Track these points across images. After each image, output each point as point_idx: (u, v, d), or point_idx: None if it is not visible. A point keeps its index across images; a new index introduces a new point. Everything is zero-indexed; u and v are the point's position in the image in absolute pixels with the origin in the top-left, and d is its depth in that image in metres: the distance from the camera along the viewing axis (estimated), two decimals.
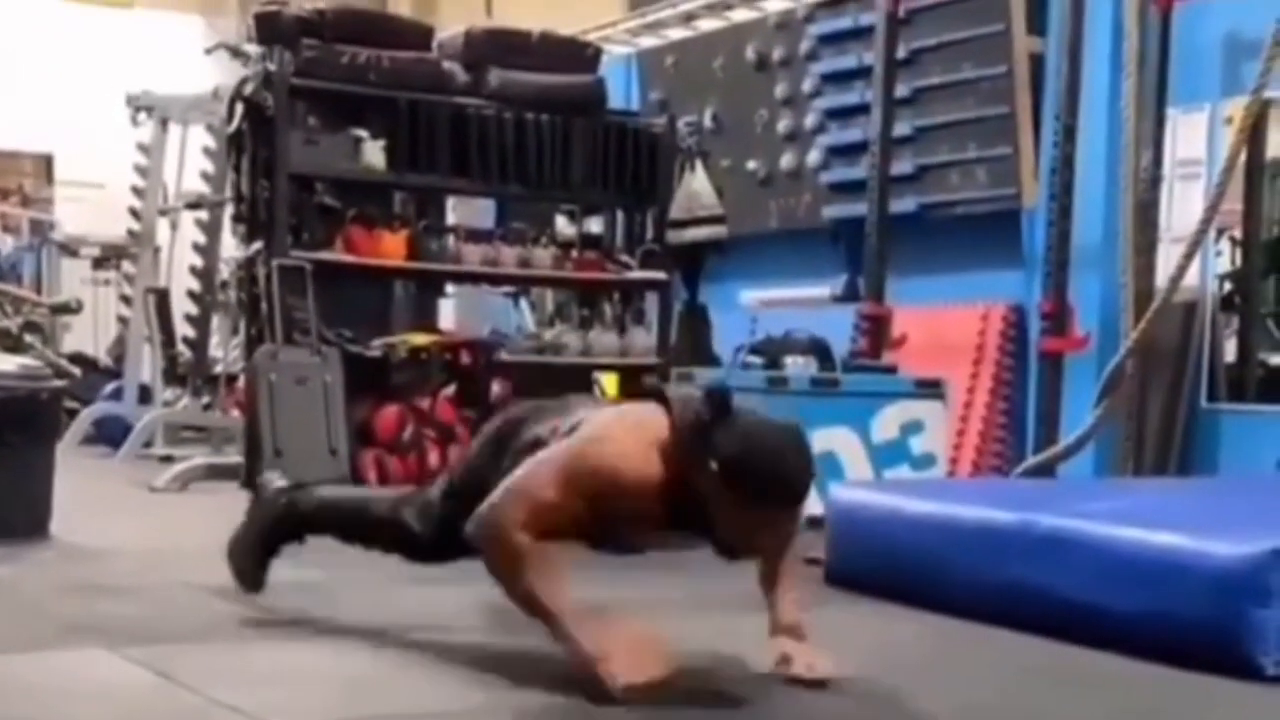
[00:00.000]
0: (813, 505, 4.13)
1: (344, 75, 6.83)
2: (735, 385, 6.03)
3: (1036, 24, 6.80)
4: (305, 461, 6.28)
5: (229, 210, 7.24)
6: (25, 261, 11.51)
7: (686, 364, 6.68)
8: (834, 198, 7.81)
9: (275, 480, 3.63)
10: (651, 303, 7.69)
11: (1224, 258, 6.30)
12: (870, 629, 3.41)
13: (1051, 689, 3.14)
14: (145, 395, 8.64)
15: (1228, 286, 6.30)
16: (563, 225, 8.23)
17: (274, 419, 6.30)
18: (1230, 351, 6.28)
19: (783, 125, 8.19)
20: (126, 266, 9.62)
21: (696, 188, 7.35)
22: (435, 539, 3.18)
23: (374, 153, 6.87)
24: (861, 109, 7.33)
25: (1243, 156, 5.65)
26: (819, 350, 6.28)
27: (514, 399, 7.04)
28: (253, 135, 6.62)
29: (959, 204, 7.15)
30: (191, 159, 8.51)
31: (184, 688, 2.83)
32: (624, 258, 7.67)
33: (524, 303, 8.71)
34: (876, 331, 6.66)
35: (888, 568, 3.99)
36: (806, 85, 8.04)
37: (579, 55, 7.59)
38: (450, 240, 7.29)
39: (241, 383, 7.04)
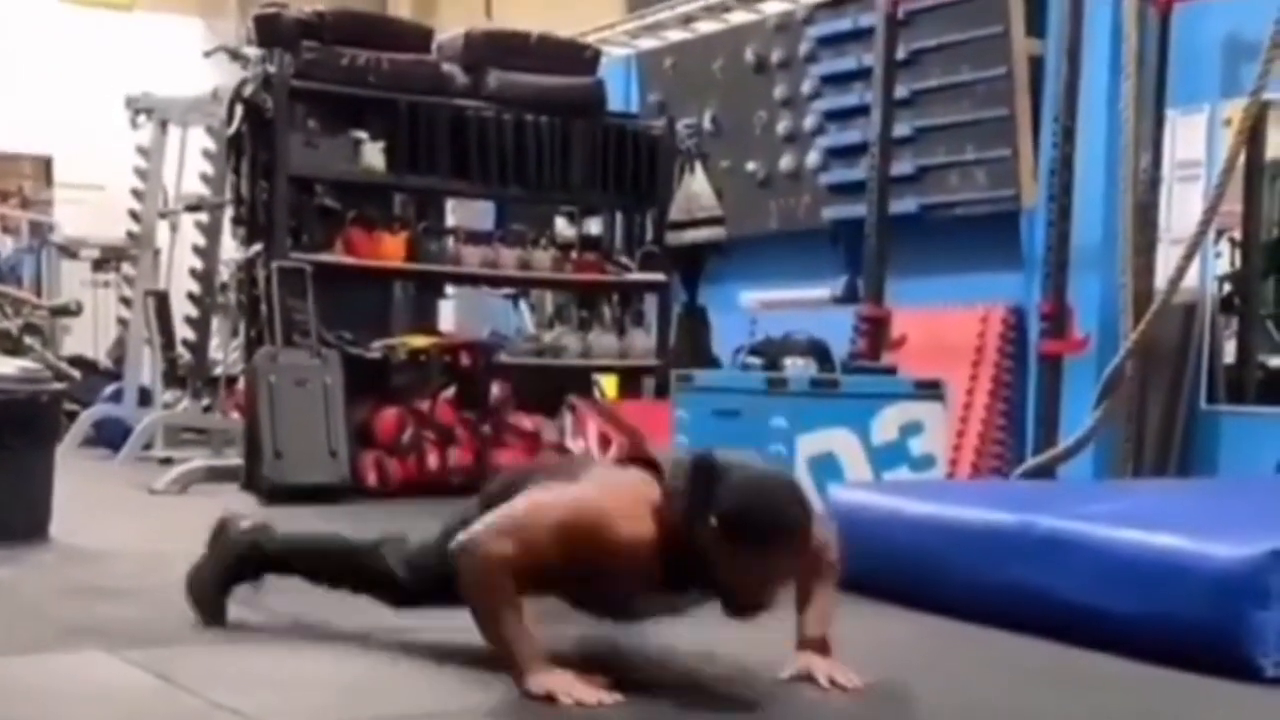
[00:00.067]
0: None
1: (343, 77, 6.84)
2: (735, 387, 6.07)
3: (1035, 26, 6.80)
4: (305, 463, 6.30)
5: (229, 212, 7.25)
6: (25, 264, 11.50)
7: (686, 366, 6.68)
8: (833, 199, 7.81)
9: (241, 520, 3.53)
10: (651, 304, 7.70)
11: (1223, 259, 6.29)
12: (870, 630, 3.41)
13: (1051, 690, 3.14)
14: (145, 397, 8.64)
15: (1227, 288, 6.30)
16: (562, 227, 8.23)
17: (274, 421, 6.31)
18: (1230, 353, 6.28)
19: (782, 127, 8.19)
20: (126, 269, 9.62)
21: (696, 189, 7.36)
22: (417, 587, 3.16)
23: (373, 155, 6.88)
24: (861, 110, 7.33)
25: (1242, 158, 5.65)
26: (818, 351, 6.27)
27: (513, 400, 7.07)
28: (252, 137, 6.63)
29: (958, 205, 7.14)
30: (191, 161, 8.51)
31: (184, 690, 2.83)
32: (623, 259, 7.68)
33: (523, 304, 8.71)
34: (876, 333, 6.66)
35: (887, 569, 3.99)
36: (806, 87, 8.04)
37: (578, 57, 7.60)
38: (450, 242, 7.30)
39: (241, 385, 7.05)
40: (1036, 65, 6.77)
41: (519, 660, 2.79)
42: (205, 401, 8.25)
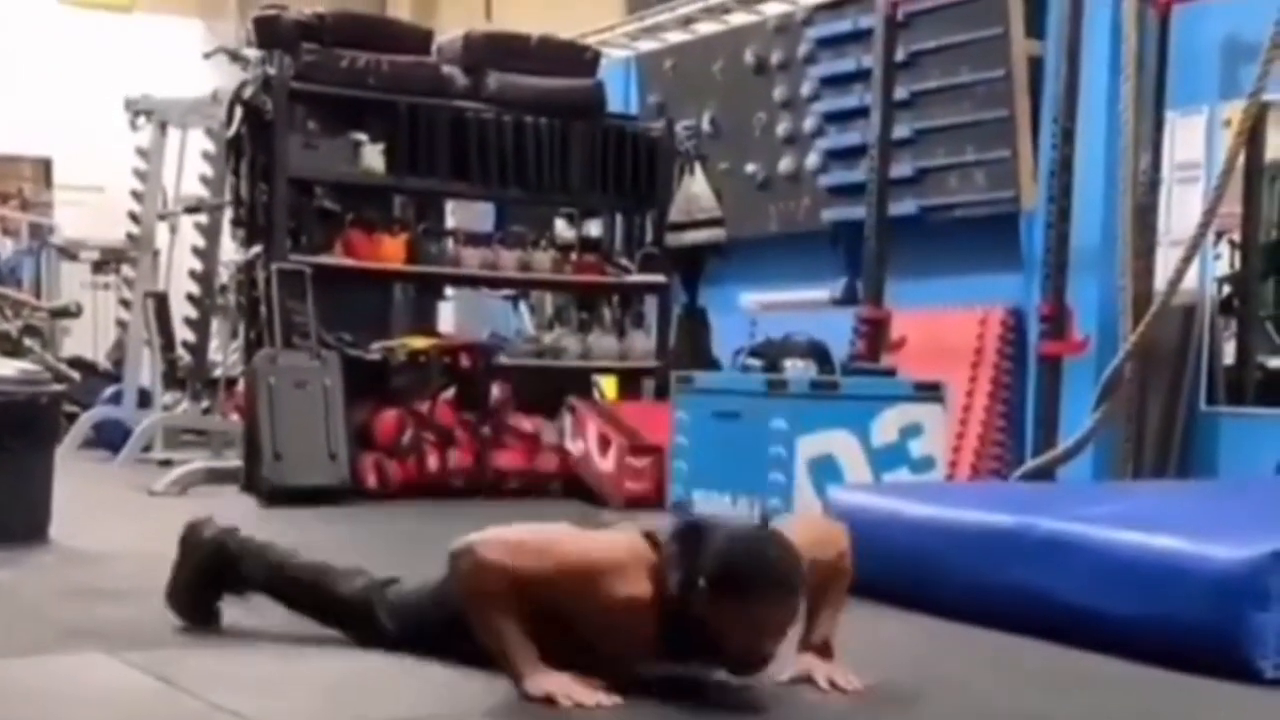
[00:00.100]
0: (812, 509, 4.15)
1: (343, 79, 6.84)
2: (735, 388, 6.07)
3: (1035, 27, 6.80)
4: (305, 465, 6.30)
5: (228, 214, 7.24)
6: (25, 265, 11.50)
7: (686, 367, 6.69)
8: (833, 201, 7.81)
9: (212, 523, 3.48)
10: (651, 306, 7.70)
11: (1223, 260, 6.29)
12: (869, 632, 3.41)
13: (1051, 692, 3.14)
14: (145, 399, 8.64)
15: (1226, 289, 6.30)
16: (562, 228, 8.23)
17: (273, 423, 6.31)
18: (1229, 354, 6.28)
19: (781, 128, 8.19)
20: (126, 270, 9.62)
21: (695, 191, 7.36)
22: (402, 638, 3.15)
23: (373, 156, 6.88)
24: (860, 112, 7.34)
25: (1241, 159, 5.65)
26: (818, 353, 6.28)
27: (513, 402, 7.06)
28: (252, 139, 6.63)
29: (958, 207, 7.14)
30: (191, 163, 8.50)
31: (184, 692, 2.83)
32: (623, 261, 7.67)
33: (523, 306, 8.71)
34: (875, 334, 6.67)
35: (887, 571, 3.98)
36: (805, 88, 8.04)
37: (578, 59, 7.60)
38: (449, 244, 7.30)
39: (241, 386, 7.05)
40: (1036, 66, 6.77)
41: (516, 663, 2.80)
42: (205, 403, 8.25)
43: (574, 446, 6.91)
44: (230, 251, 7.60)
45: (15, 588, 4.09)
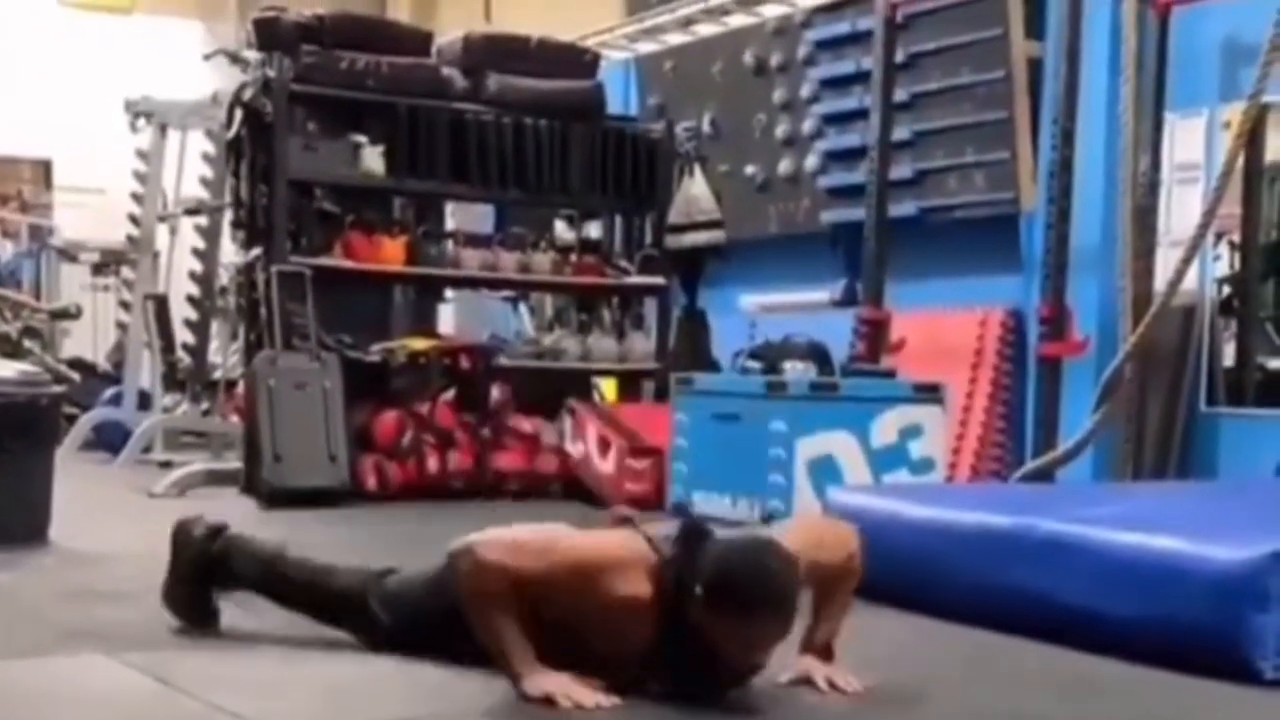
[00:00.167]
0: (811, 510, 4.15)
1: (343, 81, 6.85)
2: (735, 390, 6.07)
3: (1035, 28, 6.80)
4: (304, 467, 6.30)
5: (228, 216, 7.24)
6: (24, 267, 11.50)
7: (685, 369, 6.69)
8: (832, 202, 7.81)
9: (201, 521, 3.47)
10: (650, 307, 7.70)
11: (1222, 262, 6.29)
12: (869, 633, 3.41)
13: (1050, 693, 3.14)
14: (144, 401, 8.64)
15: (1226, 290, 6.30)
16: (562, 230, 8.23)
17: (273, 424, 6.31)
18: (1229, 355, 6.28)
19: (781, 130, 8.20)
20: (126, 272, 9.62)
21: (695, 193, 7.36)
22: (402, 634, 3.15)
23: (373, 158, 6.88)
24: (860, 114, 7.34)
25: (1241, 160, 5.65)
26: (818, 355, 6.28)
27: (513, 403, 7.06)
28: (252, 141, 6.63)
29: (957, 208, 7.14)
30: (191, 165, 8.50)
31: (183, 693, 2.83)
32: (623, 263, 7.68)
33: (523, 307, 8.71)
34: (875, 336, 6.67)
35: (887, 573, 3.97)
36: (805, 90, 8.04)
37: (577, 60, 7.60)
38: (449, 245, 7.30)
39: (241, 388, 7.05)
40: (1035, 68, 6.77)
41: (515, 663, 2.79)
42: (205, 405, 8.25)
43: (574, 448, 6.91)
44: (230, 253, 7.60)
45: (15, 589, 4.09)
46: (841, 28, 7.76)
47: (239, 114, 6.66)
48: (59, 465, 5.16)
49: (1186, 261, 5.53)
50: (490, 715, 2.78)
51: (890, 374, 6.26)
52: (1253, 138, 5.69)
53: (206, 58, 8.06)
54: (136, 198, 8.66)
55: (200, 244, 8.39)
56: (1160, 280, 5.82)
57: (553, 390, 7.22)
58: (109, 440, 8.42)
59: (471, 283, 7.73)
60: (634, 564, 2.79)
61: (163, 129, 8.44)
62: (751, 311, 7.98)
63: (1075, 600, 3.49)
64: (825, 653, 3.02)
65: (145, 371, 8.65)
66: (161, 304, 8.55)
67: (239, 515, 5.97)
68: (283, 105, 6.62)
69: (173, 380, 8.53)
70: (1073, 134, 6.05)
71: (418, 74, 7.06)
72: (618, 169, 7.42)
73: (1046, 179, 6.28)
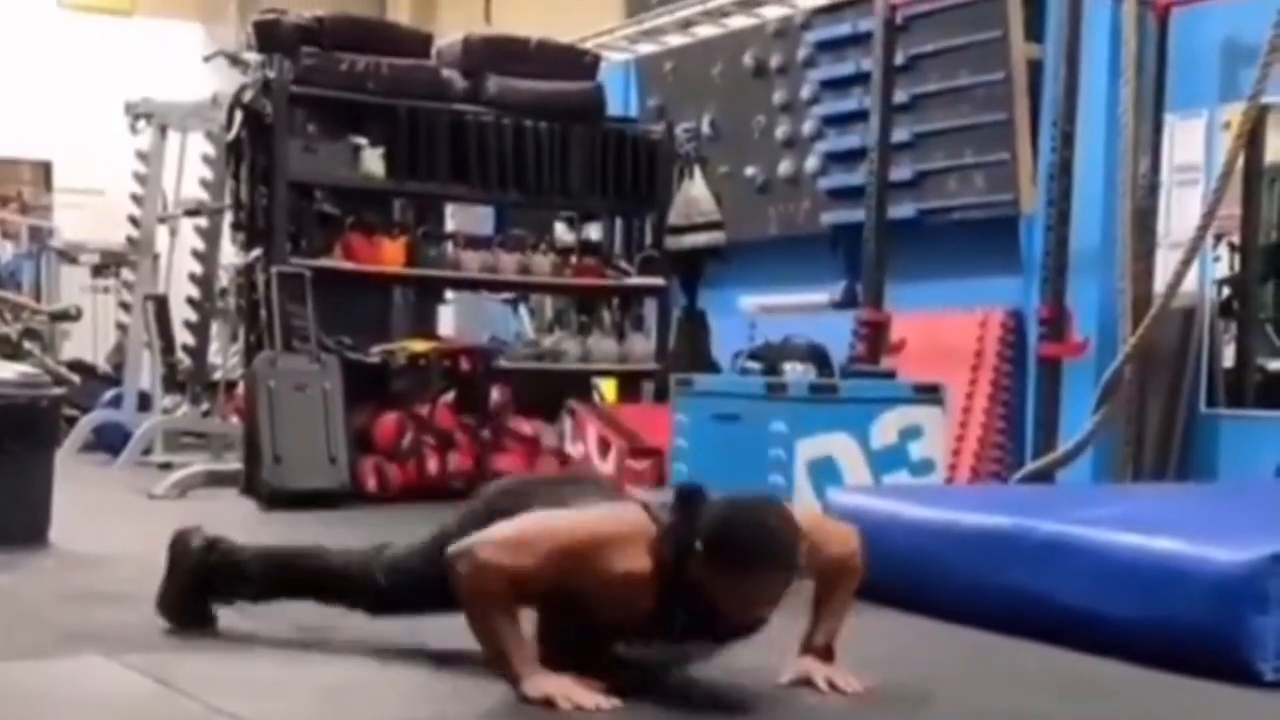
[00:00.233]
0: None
1: (343, 83, 6.85)
2: (734, 391, 6.07)
3: (1034, 30, 6.80)
4: (304, 468, 6.30)
5: (228, 217, 7.25)
6: (24, 269, 11.49)
7: (685, 370, 6.68)
8: (832, 204, 7.81)
9: (199, 532, 3.49)
10: (650, 309, 7.70)
11: (1222, 263, 6.29)
12: (869, 634, 3.41)
13: (1050, 695, 3.14)
14: (144, 402, 8.64)
15: (1226, 292, 6.30)
16: (562, 232, 8.23)
17: (273, 426, 6.31)
18: (1229, 357, 6.28)
19: (781, 131, 8.20)
20: (126, 274, 9.61)
21: (695, 194, 7.36)
22: (397, 594, 3.18)
23: (373, 160, 6.88)
24: (860, 115, 7.34)
25: (1240, 162, 5.65)
26: (818, 356, 6.27)
27: (513, 405, 7.07)
28: (252, 143, 6.63)
29: (957, 210, 7.15)
30: (191, 166, 8.51)
31: (183, 695, 2.83)
32: (623, 264, 7.68)
33: (523, 309, 8.71)
34: (875, 337, 6.67)
35: (886, 574, 3.97)
36: (804, 92, 8.04)
37: (577, 62, 7.61)
38: (449, 247, 7.30)
39: (241, 390, 7.05)
40: (1035, 70, 6.77)
41: (515, 666, 2.80)
42: (204, 406, 8.25)
43: (574, 449, 6.91)
44: (230, 255, 7.60)
45: (15, 591, 4.09)
46: (841, 29, 7.76)
47: (239, 116, 6.66)
48: (59, 467, 5.17)
49: (1186, 263, 5.53)
50: (491, 717, 2.78)
51: (890, 375, 6.26)
52: (1252, 139, 5.69)
53: (206, 59, 8.06)
54: (136, 199, 8.66)
55: (200, 245, 8.39)
56: (1160, 282, 5.82)
57: (553, 392, 7.22)
58: (109, 442, 8.42)
59: (471, 284, 7.73)
60: (632, 537, 2.80)
61: (163, 131, 8.45)
62: (751, 312, 7.99)
63: (1075, 601, 3.49)
64: (826, 654, 3.02)
65: (145, 373, 8.65)
66: (161, 305, 8.55)
67: (239, 517, 5.98)
68: (283, 107, 6.62)
69: (173, 382, 8.54)
70: (1072, 136, 6.05)
71: (418, 76, 7.06)
72: (618, 170, 7.42)
73: (1046, 180, 6.28)
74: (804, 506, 5.19)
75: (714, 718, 2.83)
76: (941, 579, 3.89)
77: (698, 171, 7.43)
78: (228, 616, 3.48)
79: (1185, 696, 3.12)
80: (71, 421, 8.34)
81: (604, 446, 6.76)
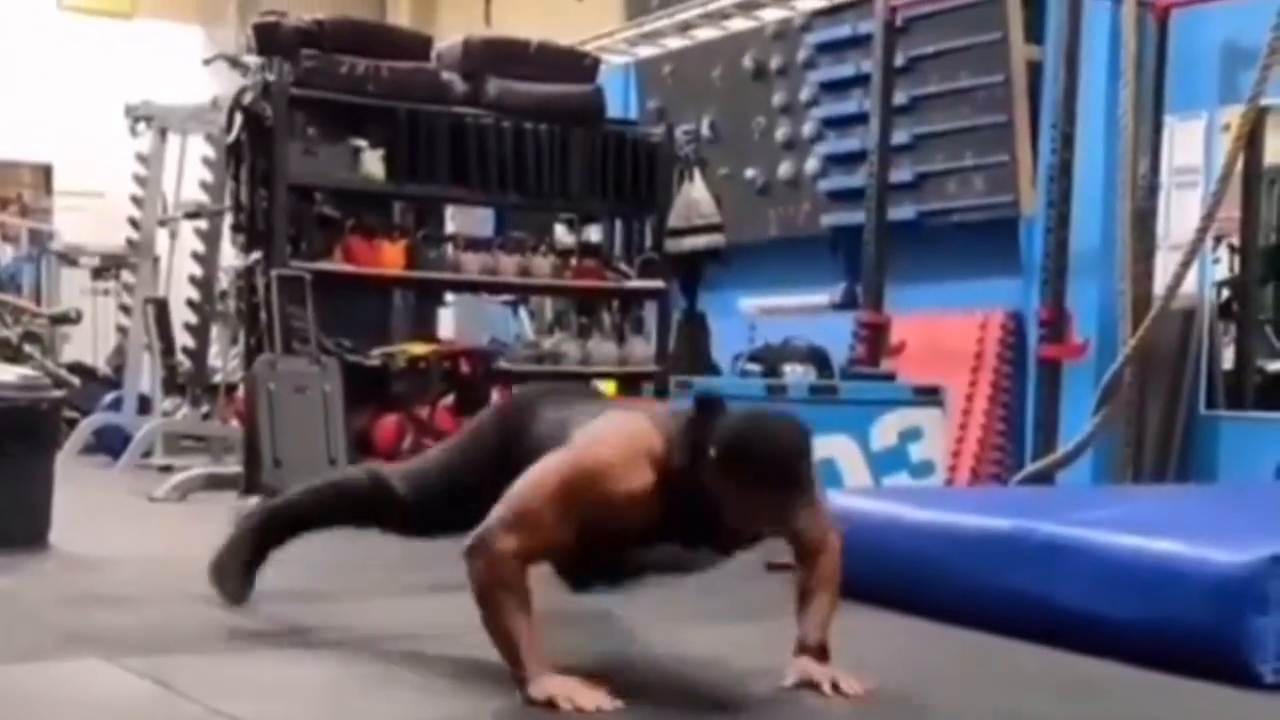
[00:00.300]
0: None
1: (343, 85, 6.85)
2: (734, 393, 6.07)
3: (1034, 32, 6.81)
4: (304, 471, 6.28)
5: (228, 220, 7.24)
6: (24, 271, 11.49)
7: (685, 372, 6.68)
8: (832, 206, 7.82)
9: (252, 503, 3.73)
10: (650, 311, 7.70)
11: (1222, 265, 6.30)
12: (868, 636, 3.42)
13: (1049, 696, 3.14)
14: (144, 405, 8.64)
15: (1225, 293, 6.31)
16: (561, 234, 8.23)
17: (273, 428, 6.31)
18: (1228, 358, 6.28)
19: (780, 133, 8.20)
20: (126, 276, 9.61)
21: (695, 196, 7.36)
22: (424, 509, 3.32)
23: (373, 162, 6.88)
24: (859, 117, 7.34)
25: (1240, 164, 5.66)
26: (817, 358, 6.28)
27: None
28: (252, 145, 6.63)
29: (957, 212, 7.15)
30: (191, 169, 8.51)
31: (183, 697, 2.83)
32: (623, 266, 7.67)
33: (523, 311, 8.71)
34: (875, 339, 6.67)
35: (886, 575, 3.99)
36: (804, 94, 8.05)
37: (577, 65, 7.60)
38: (449, 249, 7.29)
39: (241, 392, 7.05)
40: (1035, 71, 6.78)
41: (523, 663, 2.79)
42: (205, 409, 8.25)
43: None
44: (230, 257, 7.60)
45: (15, 593, 4.09)
46: (841, 31, 7.77)
47: (239, 118, 6.66)
48: (59, 469, 5.16)
49: (1186, 264, 5.53)
50: (498, 717, 2.77)
51: (890, 377, 6.26)
52: (1252, 140, 5.70)
53: (206, 62, 8.06)
54: (136, 202, 8.66)
55: (200, 248, 8.39)
56: (1160, 283, 5.83)
57: None
58: (109, 444, 8.42)
59: (471, 286, 7.73)
60: (632, 455, 2.80)
61: (163, 133, 8.45)
62: (751, 314, 7.99)
63: (1075, 603, 3.49)
64: (821, 653, 3.01)
65: (145, 375, 8.65)
66: (161, 308, 8.55)
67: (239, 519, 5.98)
68: (282, 110, 6.62)
69: (173, 384, 8.54)
70: (1072, 137, 6.05)
71: (417, 78, 7.06)
72: (617, 173, 7.42)
73: (1046, 182, 6.29)
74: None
75: (716, 718, 2.83)
76: (941, 581, 3.89)
77: (697, 174, 7.43)
78: (231, 619, 3.48)
79: (1185, 698, 3.12)
80: (72, 424, 8.34)
81: None
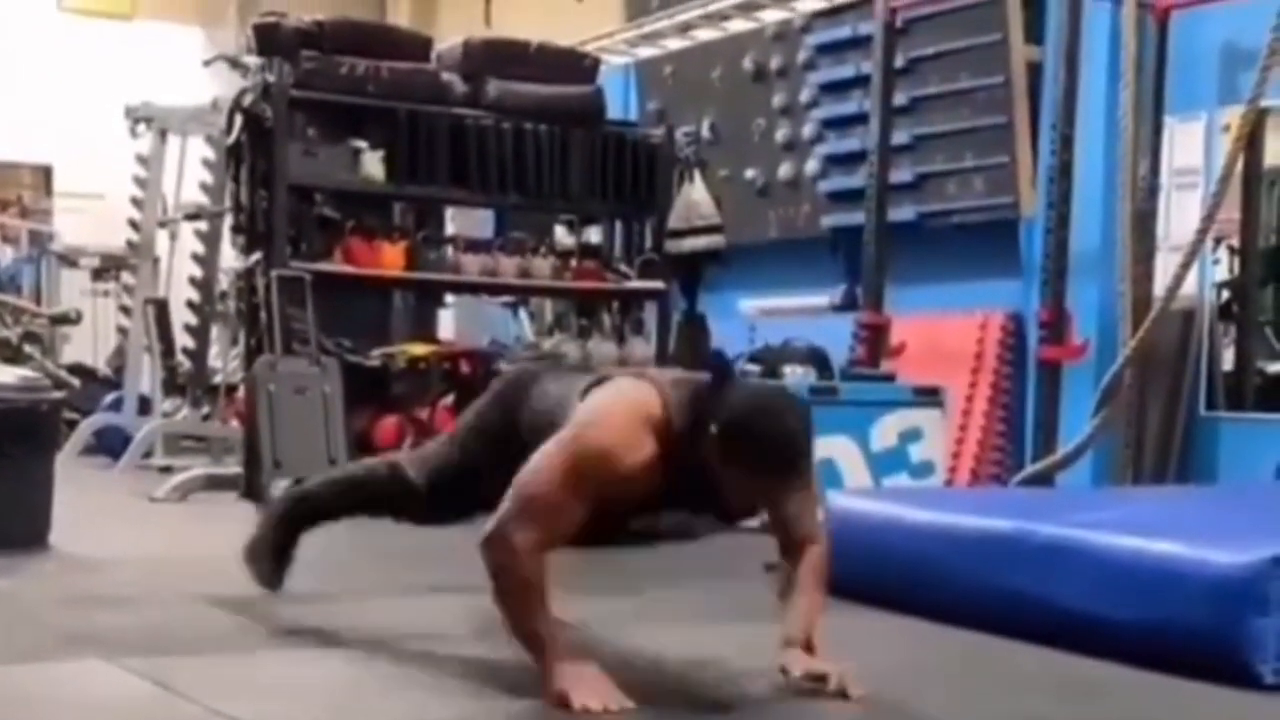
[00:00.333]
0: None
1: (343, 86, 6.85)
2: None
3: (1034, 33, 6.81)
4: (304, 471, 6.28)
5: (228, 221, 7.24)
6: (25, 272, 11.49)
7: None
8: (832, 207, 7.82)
9: (280, 487, 3.77)
10: (650, 312, 7.70)
11: (1221, 266, 6.30)
12: (868, 638, 3.42)
13: (1050, 698, 3.14)
14: (145, 406, 8.64)
15: (1225, 295, 6.31)
16: (561, 235, 8.24)
17: (273, 429, 6.31)
18: (1228, 360, 6.28)
19: (780, 135, 8.20)
20: (126, 277, 9.61)
21: (695, 197, 7.36)
22: (437, 496, 3.33)
23: (373, 164, 6.88)
24: (859, 118, 7.34)
25: (1240, 165, 5.66)
26: (817, 359, 6.29)
27: None
28: (252, 146, 6.63)
29: (957, 213, 7.15)
30: (191, 170, 8.50)
31: (183, 698, 2.83)
32: (623, 267, 7.68)
33: (523, 312, 8.71)
34: (875, 340, 6.67)
35: (886, 576, 3.99)
36: (804, 95, 8.05)
37: (577, 66, 7.60)
38: (449, 250, 7.30)
39: (241, 393, 7.05)
40: (1035, 72, 6.78)
41: (547, 656, 2.78)
42: (205, 410, 8.25)
43: None
44: (230, 258, 7.60)
45: (15, 594, 4.09)
46: (841, 32, 7.77)
47: (239, 120, 6.66)
48: (59, 470, 5.16)
49: (1186, 266, 5.53)
50: (505, 717, 2.77)
51: (890, 378, 6.27)
52: (1252, 142, 5.69)
53: (206, 63, 8.06)
54: (136, 203, 8.66)
55: (200, 249, 8.39)
56: (1160, 284, 5.83)
57: None
58: (109, 445, 8.42)
59: (471, 288, 7.73)
60: (635, 427, 2.80)
61: (163, 134, 8.45)
62: (751, 316, 7.99)
63: (1075, 604, 3.49)
64: (809, 649, 2.97)
65: (145, 376, 8.65)
66: (161, 309, 8.55)
67: (239, 520, 5.98)
68: (282, 111, 6.62)
69: (173, 385, 8.53)
70: (1072, 138, 6.05)
71: (417, 79, 7.06)
72: (618, 174, 7.42)
73: (1046, 183, 6.29)
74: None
75: (713, 717, 2.83)
76: (941, 582, 3.89)
77: (697, 175, 7.43)
78: (231, 619, 3.48)
79: (1185, 699, 3.12)
80: (72, 425, 8.34)
81: None
